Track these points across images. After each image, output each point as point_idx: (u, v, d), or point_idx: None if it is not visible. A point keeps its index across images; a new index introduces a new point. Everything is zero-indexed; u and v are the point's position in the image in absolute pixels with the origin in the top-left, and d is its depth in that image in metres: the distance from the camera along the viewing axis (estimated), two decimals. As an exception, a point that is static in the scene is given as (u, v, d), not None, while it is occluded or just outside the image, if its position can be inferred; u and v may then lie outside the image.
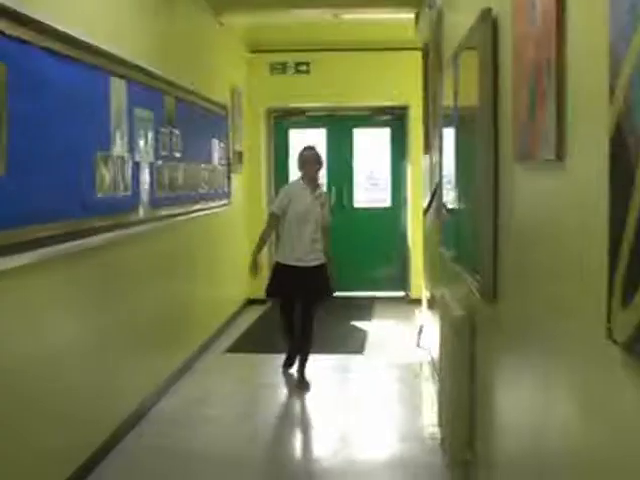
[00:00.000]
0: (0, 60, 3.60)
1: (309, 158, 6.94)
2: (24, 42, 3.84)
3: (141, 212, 5.75)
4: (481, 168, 3.45)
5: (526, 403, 2.78)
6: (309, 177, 6.90)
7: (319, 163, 6.97)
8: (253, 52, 10.66)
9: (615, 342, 1.69)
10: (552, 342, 2.36)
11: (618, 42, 1.64)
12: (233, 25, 9.54)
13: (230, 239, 9.61)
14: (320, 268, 6.86)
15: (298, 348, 6.98)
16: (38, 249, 3.99)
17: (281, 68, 10.75)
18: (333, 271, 7.00)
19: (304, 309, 6.89)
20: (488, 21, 3.40)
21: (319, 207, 6.86)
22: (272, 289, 7.04)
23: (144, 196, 5.81)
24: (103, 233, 4.93)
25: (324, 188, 7.78)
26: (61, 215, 4.30)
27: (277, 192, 10.69)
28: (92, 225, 4.75)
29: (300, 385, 6.77)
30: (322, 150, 11.06)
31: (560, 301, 2.27)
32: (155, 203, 6.07)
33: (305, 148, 7.14)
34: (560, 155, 2.18)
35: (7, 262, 3.68)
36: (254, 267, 7.03)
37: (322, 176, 7.72)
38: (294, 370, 7.01)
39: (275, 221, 6.98)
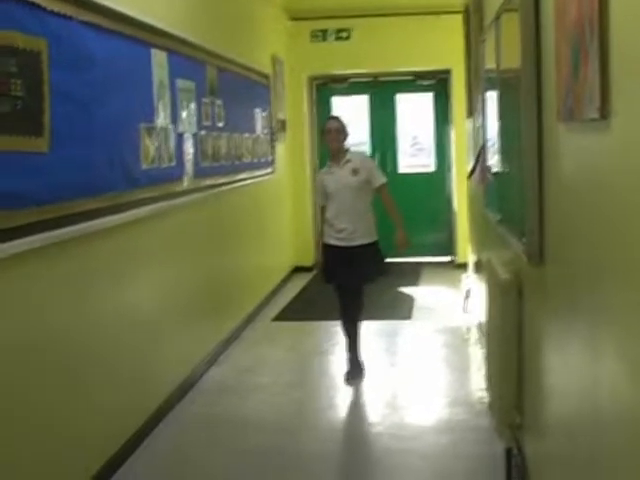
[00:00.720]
0: (41, 35, 3.63)
1: (331, 128, 6.23)
2: (64, 16, 3.86)
3: (185, 182, 5.79)
4: (525, 130, 3.42)
5: (575, 366, 2.76)
6: (333, 150, 6.22)
7: (343, 133, 6.25)
8: (293, 20, 10.62)
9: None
10: (600, 304, 2.34)
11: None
12: (272, -7, 9.52)
13: (275, 207, 9.64)
14: (367, 247, 6.15)
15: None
16: (85, 222, 4.04)
17: (322, 35, 10.70)
18: (402, 234, 6.25)
19: (351, 292, 6.24)
20: (529, -20, 3.34)
21: (351, 175, 6.10)
22: (328, 274, 6.30)
23: (188, 167, 5.84)
24: (148, 204, 4.97)
25: (356, 150, 7.08)
26: (107, 188, 4.34)
27: (321, 160, 10.81)
28: (137, 197, 4.79)
29: (354, 369, 6.21)
30: (365, 116, 11.10)
31: (608, 264, 2.25)
32: (199, 173, 6.10)
33: (328, 118, 6.61)
34: (604, 114, 2.15)
35: (55, 236, 3.73)
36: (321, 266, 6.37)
37: (361, 144, 6.77)
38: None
39: (324, 212, 6.34)
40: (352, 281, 6.21)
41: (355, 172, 6.11)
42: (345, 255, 6.10)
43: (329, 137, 6.22)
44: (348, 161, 6.17)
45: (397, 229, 6.28)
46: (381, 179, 6.26)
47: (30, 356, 3.62)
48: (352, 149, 6.47)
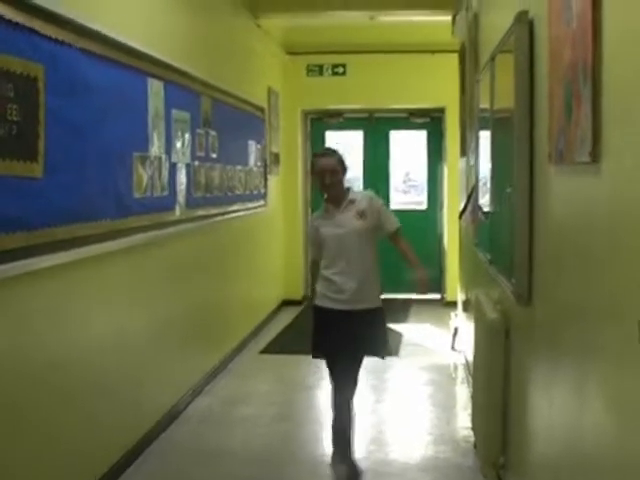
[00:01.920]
0: (38, 61, 3.64)
1: (326, 168, 4.76)
2: (62, 43, 3.88)
3: (177, 212, 5.79)
4: (516, 171, 3.44)
5: (560, 406, 2.76)
6: (333, 193, 4.82)
7: (341, 171, 4.83)
8: (290, 54, 10.70)
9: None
10: (587, 346, 2.34)
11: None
12: (270, 27, 9.58)
13: (266, 240, 9.64)
14: (372, 314, 4.82)
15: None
16: (75, 248, 4.03)
17: (317, 70, 10.78)
18: (424, 281, 5.11)
19: (345, 369, 4.84)
20: (524, 23, 3.38)
21: (356, 219, 4.77)
22: (317, 347, 4.99)
23: (180, 197, 5.85)
24: (140, 233, 4.97)
25: (359, 189, 5.35)
26: (98, 215, 4.34)
27: (313, 195, 10.81)
28: (129, 225, 4.79)
29: (350, 473, 4.81)
30: (359, 152, 11.12)
31: (595, 306, 2.25)
32: (191, 204, 6.11)
33: (318, 154, 5.02)
34: (596, 157, 2.17)
35: (44, 261, 3.72)
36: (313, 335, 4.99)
37: (353, 180, 4.91)
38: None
39: (317, 268, 4.94)
40: (348, 354, 4.80)
41: (362, 215, 4.78)
42: (344, 321, 4.77)
43: (323, 181, 4.79)
44: (352, 202, 4.82)
45: (417, 270, 5.06)
46: (396, 222, 4.92)
47: (28, 376, 3.61)
48: (354, 188, 5.22)
